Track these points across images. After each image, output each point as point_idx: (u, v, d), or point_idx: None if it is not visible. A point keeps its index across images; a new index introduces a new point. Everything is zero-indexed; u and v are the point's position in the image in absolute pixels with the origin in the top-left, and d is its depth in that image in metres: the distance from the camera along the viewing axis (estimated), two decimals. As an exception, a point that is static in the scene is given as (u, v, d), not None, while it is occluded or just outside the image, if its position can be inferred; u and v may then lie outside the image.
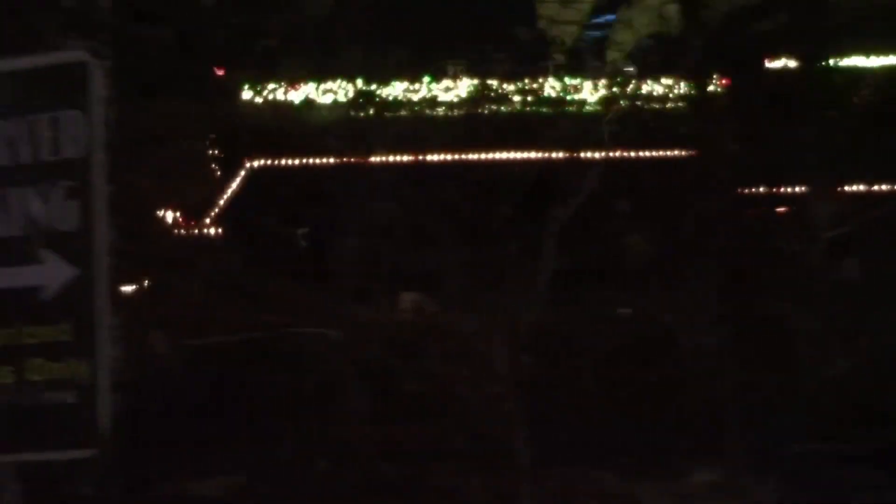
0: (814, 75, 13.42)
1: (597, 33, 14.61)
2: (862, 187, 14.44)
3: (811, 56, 13.48)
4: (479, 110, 14.84)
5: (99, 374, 4.22)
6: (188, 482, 10.32)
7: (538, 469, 9.95)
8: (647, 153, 14.88)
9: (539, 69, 15.28)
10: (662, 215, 13.28)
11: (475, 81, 15.16)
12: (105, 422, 4.19)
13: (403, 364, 11.31)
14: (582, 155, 13.10)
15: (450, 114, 15.20)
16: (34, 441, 4.26)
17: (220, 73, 14.63)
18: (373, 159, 13.72)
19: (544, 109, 15.14)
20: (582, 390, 11.19)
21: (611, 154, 13.27)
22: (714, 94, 12.92)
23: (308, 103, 14.74)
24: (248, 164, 14.59)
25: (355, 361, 11.26)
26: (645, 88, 14.70)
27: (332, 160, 13.93)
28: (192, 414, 10.45)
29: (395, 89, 14.89)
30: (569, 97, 15.12)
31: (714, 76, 12.76)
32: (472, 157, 14.93)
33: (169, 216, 13.25)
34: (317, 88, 14.54)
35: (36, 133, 4.28)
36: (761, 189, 14.24)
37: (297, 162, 14.72)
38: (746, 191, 13.80)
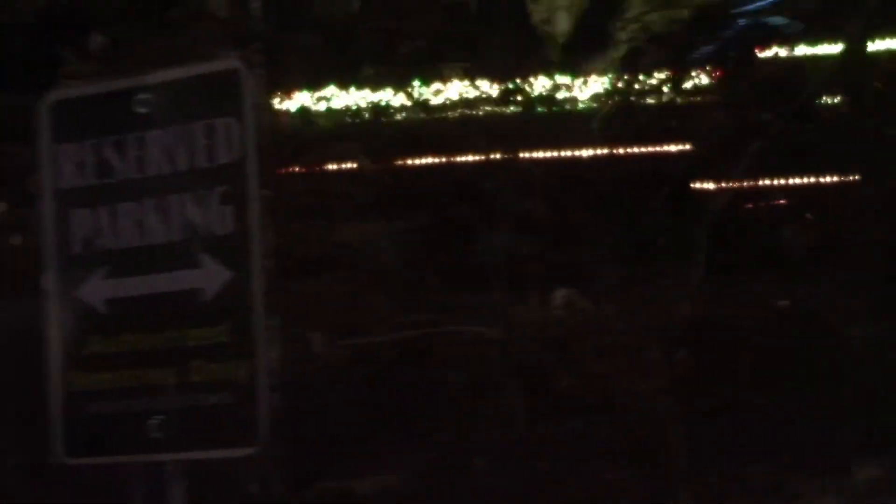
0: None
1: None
2: None
3: None
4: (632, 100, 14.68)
5: (257, 375, 4.30)
6: (347, 480, 10.48)
7: (695, 465, 9.84)
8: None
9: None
10: (818, 205, 12.98)
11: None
12: (264, 421, 4.28)
13: (558, 361, 11.29)
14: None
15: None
16: (196, 441, 4.37)
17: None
18: (521, 155, 13.74)
19: (698, 99, 14.93)
20: (739, 384, 11.02)
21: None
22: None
23: (456, 102, 14.84)
24: (394, 161, 14.74)
25: (511, 359, 11.28)
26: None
27: (477, 157, 13.99)
28: (350, 413, 10.61)
29: (537, 86, 14.89)
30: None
31: None
32: (622, 150, 14.80)
33: (322, 216, 13.47)
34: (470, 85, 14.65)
35: (192, 141, 4.40)
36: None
37: (443, 160, 14.83)
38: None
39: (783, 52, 14.41)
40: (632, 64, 14.03)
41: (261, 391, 4.28)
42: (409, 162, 14.95)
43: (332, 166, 14.33)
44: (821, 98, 13.93)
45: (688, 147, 13.96)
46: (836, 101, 13.89)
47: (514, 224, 12.51)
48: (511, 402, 11.01)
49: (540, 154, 14.28)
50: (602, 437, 10.38)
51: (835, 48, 13.47)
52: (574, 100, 15.37)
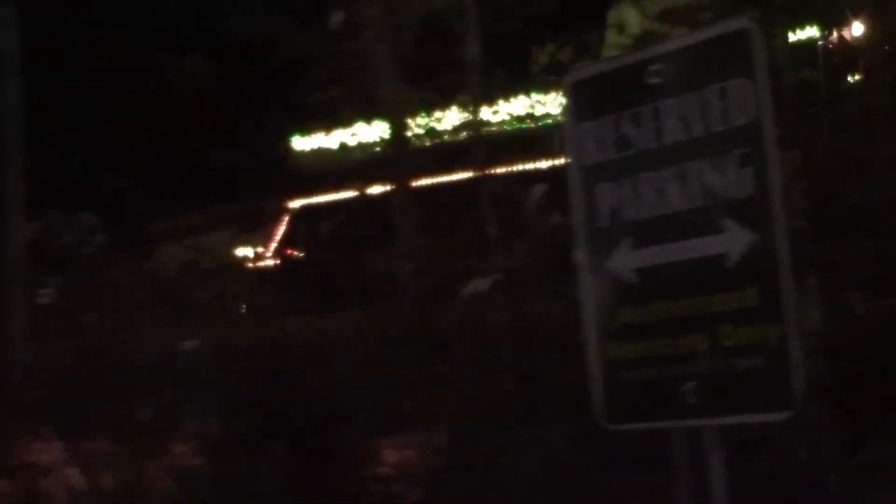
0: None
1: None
2: None
3: None
4: None
5: (788, 338, 4.22)
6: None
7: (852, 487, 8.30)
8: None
9: None
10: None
11: None
12: (798, 384, 4.19)
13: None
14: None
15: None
16: (730, 405, 4.36)
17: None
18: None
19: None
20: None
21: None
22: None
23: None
24: None
25: None
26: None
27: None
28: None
29: None
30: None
31: None
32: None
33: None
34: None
35: (706, 105, 4.38)
36: None
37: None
38: None
39: None
40: None
41: (793, 354, 4.20)
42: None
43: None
44: None
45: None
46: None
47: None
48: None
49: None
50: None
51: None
52: None
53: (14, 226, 11.41)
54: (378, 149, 15.76)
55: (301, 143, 16.90)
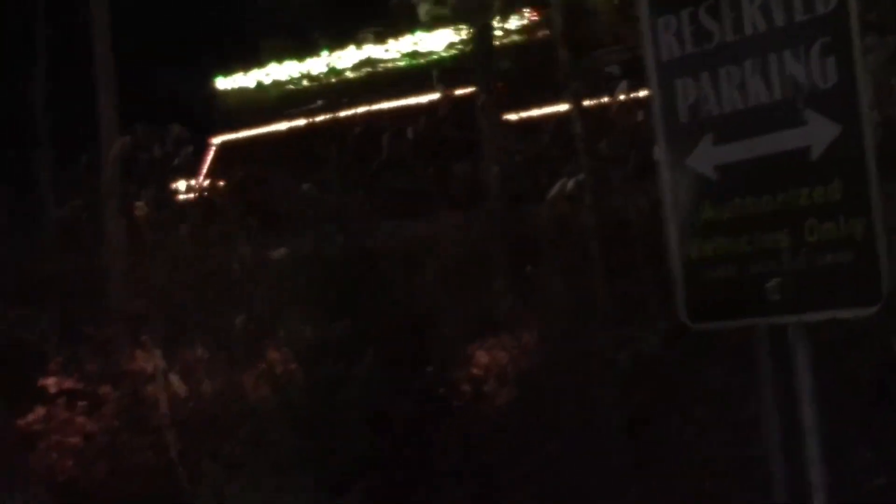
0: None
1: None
2: None
3: None
4: None
5: (875, 231, 4.13)
6: None
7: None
8: None
9: None
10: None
11: None
12: (886, 278, 4.10)
13: None
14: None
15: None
16: (815, 301, 4.29)
17: None
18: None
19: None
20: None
21: None
22: None
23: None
24: None
25: None
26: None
27: None
28: None
29: None
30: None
31: None
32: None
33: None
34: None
35: (788, -6, 4.24)
36: None
37: None
38: None
39: None
40: None
41: (880, 248, 4.10)
42: None
43: None
44: None
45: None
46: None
47: None
48: None
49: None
50: None
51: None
52: None
53: (108, 141, 11.58)
54: (291, 86, 16.70)
55: (223, 83, 17.66)
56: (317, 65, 17.22)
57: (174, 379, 9.05)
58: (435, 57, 15.98)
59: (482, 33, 10.82)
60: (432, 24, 14.40)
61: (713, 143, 4.54)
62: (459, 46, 14.75)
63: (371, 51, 16.77)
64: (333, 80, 16.81)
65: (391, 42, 16.60)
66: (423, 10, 13.96)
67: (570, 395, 7.75)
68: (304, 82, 17.12)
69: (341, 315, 7.85)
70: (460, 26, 13.86)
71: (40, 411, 9.20)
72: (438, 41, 15.99)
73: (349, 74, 16.89)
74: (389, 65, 16.71)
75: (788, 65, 4.29)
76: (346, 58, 16.94)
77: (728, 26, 4.45)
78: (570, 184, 8.53)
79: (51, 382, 9.25)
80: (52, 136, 17.29)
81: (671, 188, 4.72)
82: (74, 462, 9.02)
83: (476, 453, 7.49)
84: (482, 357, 8.96)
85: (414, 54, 16.08)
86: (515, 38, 13.95)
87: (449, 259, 9.16)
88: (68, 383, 9.31)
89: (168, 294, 9.34)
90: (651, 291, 8.11)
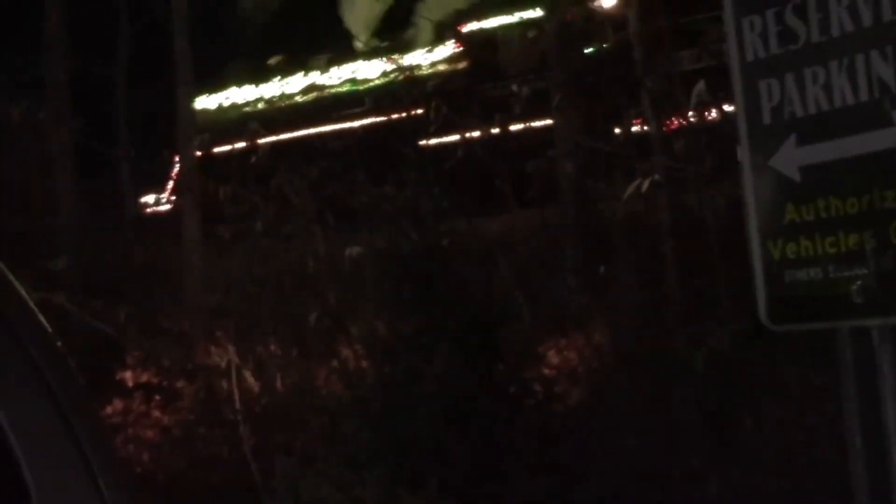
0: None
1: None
2: None
3: None
4: None
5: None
6: None
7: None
8: None
9: None
10: None
11: None
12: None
13: None
14: None
15: None
16: (899, 304, 4.24)
17: None
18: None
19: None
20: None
21: None
22: None
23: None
24: None
25: None
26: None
27: None
28: None
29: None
30: None
31: None
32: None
33: None
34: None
35: (876, -6, 4.21)
36: None
37: None
38: None
39: None
40: None
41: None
42: None
43: None
44: None
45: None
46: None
47: None
48: None
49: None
50: None
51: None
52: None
53: (186, 139, 11.72)
54: (249, 108, 17.90)
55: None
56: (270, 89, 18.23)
57: (248, 374, 9.15)
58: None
59: (560, 31, 10.81)
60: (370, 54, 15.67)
61: (797, 144, 4.50)
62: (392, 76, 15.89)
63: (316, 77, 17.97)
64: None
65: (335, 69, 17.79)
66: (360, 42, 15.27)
67: (643, 395, 7.75)
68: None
69: (415, 312, 7.89)
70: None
71: (118, 404, 9.35)
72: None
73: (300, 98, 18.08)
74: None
75: (876, 66, 4.24)
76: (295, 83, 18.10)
77: (814, 27, 4.41)
78: (646, 183, 8.51)
79: (128, 376, 9.40)
80: (132, 132, 17.60)
81: (754, 189, 4.69)
82: (151, 455, 9.15)
83: (549, 450, 7.50)
84: (554, 355, 8.97)
85: (353, 81, 17.21)
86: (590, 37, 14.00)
87: (522, 257, 9.18)
88: (145, 377, 9.46)
89: (243, 289, 9.44)
90: (725, 291, 8.08)
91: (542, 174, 9.98)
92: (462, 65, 15.81)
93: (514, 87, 9.07)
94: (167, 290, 11.07)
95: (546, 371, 8.53)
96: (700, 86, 8.28)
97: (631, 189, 8.60)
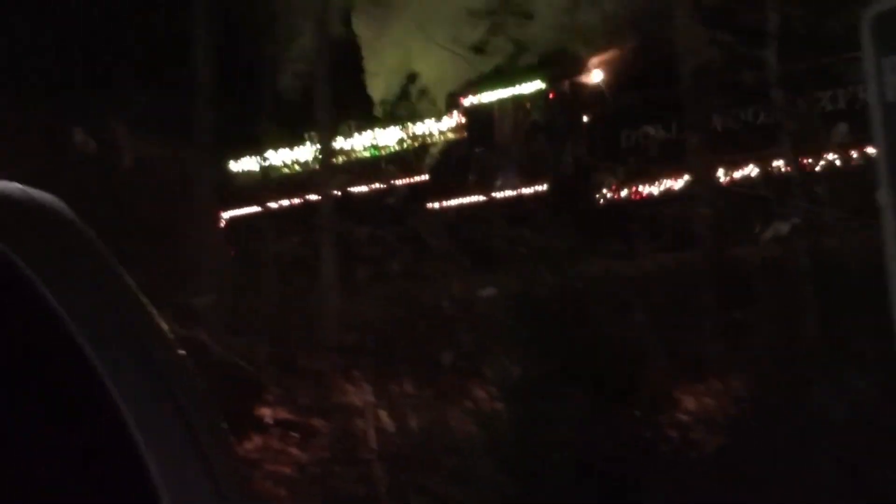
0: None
1: None
2: None
3: None
4: None
5: None
6: None
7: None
8: None
9: None
10: None
11: None
12: None
13: None
14: None
15: None
16: None
17: None
18: None
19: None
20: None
21: None
22: None
23: None
24: None
25: None
26: None
27: None
28: None
29: None
30: None
31: None
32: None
33: None
34: None
35: None
36: None
37: None
38: None
39: None
40: None
41: None
42: None
43: None
44: None
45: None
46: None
47: None
48: None
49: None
50: None
51: None
52: None
53: (324, 181, 11.95)
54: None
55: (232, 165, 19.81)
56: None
57: (383, 413, 9.22)
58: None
59: (695, 76, 10.74)
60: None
61: (941, 185, 4.39)
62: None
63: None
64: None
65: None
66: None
67: (783, 445, 7.58)
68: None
69: (548, 354, 7.88)
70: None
71: (256, 440, 9.50)
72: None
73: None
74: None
75: None
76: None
77: (957, 67, 4.32)
78: (786, 227, 8.38)
79: (266, 413, 9.55)
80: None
81: (894, 233, 4.58)
82: (288, 491, 9.27)
83: (684, 497, 7.39)
84: (690, 401, 8.85)
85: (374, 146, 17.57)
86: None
87: (657, 300, 9.10)
88: (283, 414, 9.60)
89: (379, 329, 9.54)
90: (867, 338, 7.88)
91: (679, 217, 9.90)
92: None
93: (650, 131, 9.02)
94: (306, 330, 11.24)
95: (681, 417, 8.41)
96: (840, 127, 8.14)
97: (769, 233, 8.47)
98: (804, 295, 8.30)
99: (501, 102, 15.32)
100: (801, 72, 9.18)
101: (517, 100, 15.18)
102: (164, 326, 1.88)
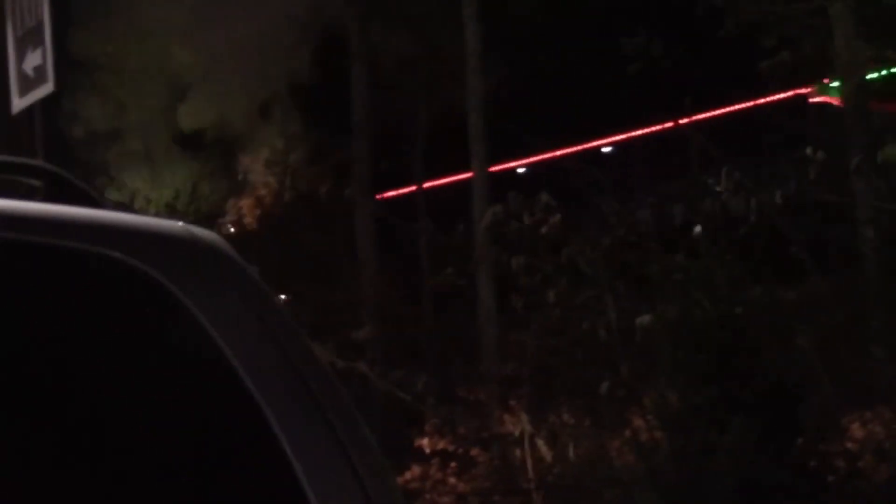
0: None
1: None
2: None
3: None
4: None
5: None
6: None
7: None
8: None
9: None
10: None
11: None
12: None
13: None
14: None
15: None
16: None
17: None
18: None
19: None
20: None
21: None
22: None
23: None
24: None
25: None
26: None
27: None
28: None
29: None
30: None
31: None
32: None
33: None
34: None
35: None
36: None
37: None
38: None
39: None
40: None
41: None
42: None
43: None
44: None
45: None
46: None
47: None
48: None
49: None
50: None
51: None
52: None
53: (480, 210, 12.02)
54: None
55: None
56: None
57: (541, 443, 9.20)
58: None
59: (857, 92, 10.50)
60: None
61: None
62: None
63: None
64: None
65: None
66: None
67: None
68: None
69: (708, 382, 7.76)
70: None
71: (416, 470, 9.59)
72: None
73: None
74: None
75: None
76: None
77: None
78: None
79: (426, 443, 9.62)
80: (428, 206, 18.26)
81: None
82: (446, 521, 9.33)
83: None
84: (857, 429, 8.62)
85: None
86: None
87: (821, 325, 8.89)
88: (442, 444, 9.66)
89: (537, 358, 9.54)
90: None
91: (842, 239, 9.68)
92: None
93: (809, 152, 8.83)
94: (463, 360, 11.31)
95: (849, 445, 8.19)
96: None
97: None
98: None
99: None
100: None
101: None
102: (320, 357, 1.93)
